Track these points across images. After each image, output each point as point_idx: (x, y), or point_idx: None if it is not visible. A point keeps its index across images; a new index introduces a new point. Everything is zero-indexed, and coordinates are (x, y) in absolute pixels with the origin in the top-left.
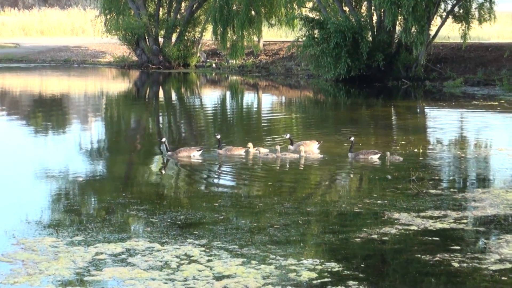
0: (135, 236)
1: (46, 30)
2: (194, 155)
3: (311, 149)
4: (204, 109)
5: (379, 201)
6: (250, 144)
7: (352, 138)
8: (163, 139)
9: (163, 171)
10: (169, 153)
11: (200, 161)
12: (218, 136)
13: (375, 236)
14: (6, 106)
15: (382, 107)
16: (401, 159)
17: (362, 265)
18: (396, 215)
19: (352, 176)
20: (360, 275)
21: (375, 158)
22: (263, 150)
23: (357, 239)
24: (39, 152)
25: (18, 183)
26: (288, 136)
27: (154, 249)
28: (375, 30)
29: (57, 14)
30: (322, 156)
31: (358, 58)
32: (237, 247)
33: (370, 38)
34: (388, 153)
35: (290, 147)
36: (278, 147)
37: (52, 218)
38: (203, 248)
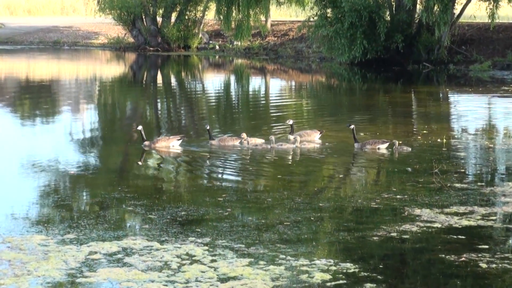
0: (132, 234)
1: (33, 9)
2: (173, 145)
3: (312, 139)
4: (206, 95)
5: (398, 196)
6: (244, 135)
7: (352, 126)
8: (139, 127)
9: (162, 164)
10: (146, 142)
11: (200, 152)
12: (207, 127)
13: (394, 234)
14: None
15: (401, 93)
16: (410, 149)
17: (380, 266)
18: (417, 211)
19: (368, 168)
20: (378, 276)
21: (383, 148)
22: (259, 141)
23: (374, 238)
24: (27, 143)
25: (3, 176)
26: (291, 122)
27: (152, 248)
28: (393, 9)
29: None
30: (318, 146)
31: (375, 40)
32: (243, 246)
33: (388, 18)
34: (396, 143)
35: (290, 136)
36: (272, 137)
37: (41, 214)
38: (206, 247)
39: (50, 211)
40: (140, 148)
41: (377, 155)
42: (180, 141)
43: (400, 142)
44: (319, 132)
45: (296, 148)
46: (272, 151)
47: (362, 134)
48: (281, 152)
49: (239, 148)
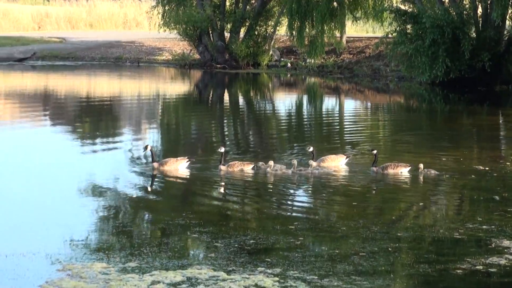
0: (197, 263)
1: (95, 22)
2: (180, 167)
3: (336, 165)
4: (275, 116)
5: (484, 226)
6: (271, 162)
7: (375, 151)
8: (148, 146)
9: (227, 188)
10: (155, 164)
11: (268, 177)
12: (222, 150)
13: (480, 267)
14: (49, 111)
15: (487, 116)
16: (438, 173)
17: None
18: (505, 242)
19: (450, 196)
20: None
21: (405, 172)
22: (277, 166)
23: (458, 271)
24: (86, 165)
25: (62, 200)
26: (311, 149)
27: (219, 278)
28: (479, 25)
29: (108, 5)
30: (333, 171)
31: (458, 58)
32: (316, 277)
33: (474, 35)
34: (421, 166)
35: (312, 162)
36: (295, 161)
37: (101, 240)
38: (276, 278)
39: (111, 237)
40: (202, 172)
41: (459, 181)
42: (188, 163)
43: (424, 165)
44: (345, 157)
45: (312, 172)
46: (294, 176)
47: (444, 159)
48: (320, 177)
49: (250, 174)
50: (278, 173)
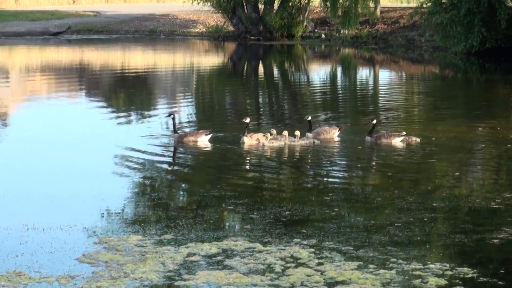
0: (233, 234)
1: None
2: (201, 139)
3: (331, 136)
4: (310, 87)
5: None
6: (274, 131)
7: (374, 121)
8: (171, 115)
9: (262, 159)
10: (176, 135)
11: (303, 147)
12: (247, 120)
13: None
14: (85, 85)
15: None
16: (419, 140)
17: (501, 271)
18: None
19: (486, 166)
20: (499, 282)
21: (399, 141)
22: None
23: (494, 240)
24: (121, 138)
25: (98, 173)
26: (309, 118)
27: (255, 250)
28: None
29: None
30: (332, 144)
31: (494, 27)
32: (352, 248)
33: (510, 3)
34: (404, 133)
35: (308, 134)
36: (297, 132)
37: (137, 213)
38: (312, 250)
39: (146, 210)
40: (237, 144)
41: (496, 151)
42: (210, 135)
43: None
44: (338, 129)
45: (285, 144)
46: (285, 147)
47: (480, 129)
48: (299, 149)
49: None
50: (274, 146)
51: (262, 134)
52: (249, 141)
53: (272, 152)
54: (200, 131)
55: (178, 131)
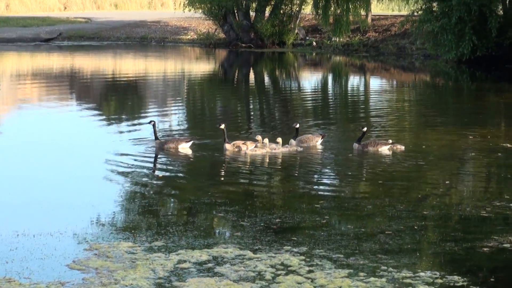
0: (223, 242)
1: (120, 3)
2: (182, 146)
3: (314, 144)
4: (301, 95)
5: (511, 204)
6: (259, 137)
7: (365, 129)
8: (152, 122)
9: (253, 167)
10: (157, 141)
11: (295, 155)
12: (222, 126)
13: (507, 245)
14: (75, 91)
15: None
16: (403, 148)
17: (491, 279)
18: None
19: (477, 174)
20: None
21: (385, 149)
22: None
23: (484, 249)
24: (112, 144)
25: (88, 179)
26: (297, 125)
27: (245, 257)
28: (507, 2)
29: None
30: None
31: (485, 36)
32: (342, 256)
33: (501, 12)
34: (390, 141)
35: (292, 141)
36: (279, 139)
37: (128, 220)
38: (302, 257)
39: (137, 216)
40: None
41: (486, 159)
42: (190, 143)
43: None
44: (321, 137)
45: (264, 152)
46: (266, 155)
47: (471, 137)
48: (285, 156)
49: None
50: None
51: (242, 142)
52: (231, 148)
53: (260, 160)
54: (181, 138)
55: (160, 138)
